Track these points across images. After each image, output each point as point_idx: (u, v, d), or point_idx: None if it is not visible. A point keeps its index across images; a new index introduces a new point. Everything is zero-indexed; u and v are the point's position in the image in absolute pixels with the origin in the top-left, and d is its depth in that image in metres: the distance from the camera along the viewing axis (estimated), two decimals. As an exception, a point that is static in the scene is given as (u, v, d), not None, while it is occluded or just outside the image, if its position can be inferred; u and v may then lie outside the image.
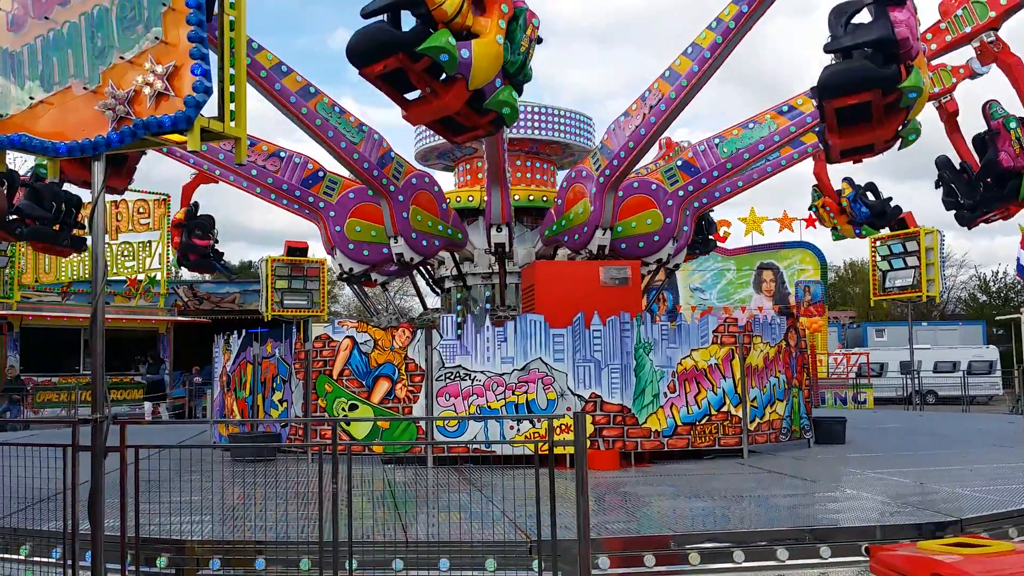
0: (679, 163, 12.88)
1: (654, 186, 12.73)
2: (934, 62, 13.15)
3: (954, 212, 13.52)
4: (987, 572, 3.38)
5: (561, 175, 15.18)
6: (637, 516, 7.02)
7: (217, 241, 17.61)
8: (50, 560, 5.98)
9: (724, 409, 10.74)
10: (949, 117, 14.09)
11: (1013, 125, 11.95)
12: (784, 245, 35.55)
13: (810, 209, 20.83)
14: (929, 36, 12.63)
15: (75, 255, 19.02)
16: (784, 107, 12.69)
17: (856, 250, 60.67)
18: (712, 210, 16.39)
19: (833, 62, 8.36)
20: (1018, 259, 27.34)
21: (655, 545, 5.99)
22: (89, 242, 6.98)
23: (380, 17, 8.17)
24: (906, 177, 69.34)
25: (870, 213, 18.42)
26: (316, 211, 12.90)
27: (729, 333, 10.96)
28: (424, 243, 12.42)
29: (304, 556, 5.72)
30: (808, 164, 15.53)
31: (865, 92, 8.09)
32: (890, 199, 15.06)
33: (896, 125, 8.50)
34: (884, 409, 26.04)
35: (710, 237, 17.42)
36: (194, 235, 17.02)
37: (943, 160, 13.63)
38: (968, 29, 12.45)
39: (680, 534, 6.11)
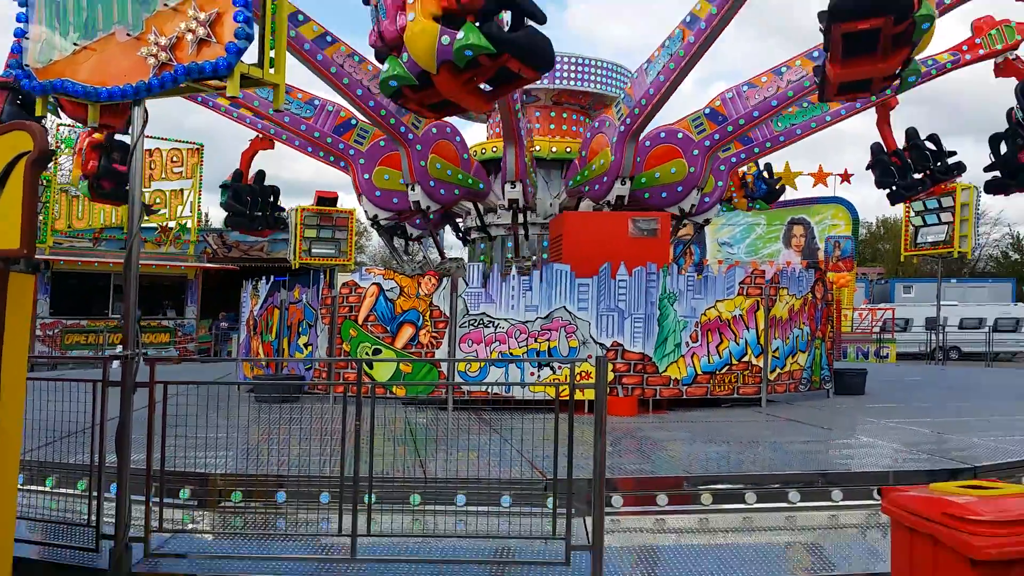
0: (706, 111, 12.74)
1: (680, 135, 12.62)
2: (979, 19, 13.61)
3: (887, 191, 14.95)
4: (998, 511, 3.42)
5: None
6: (652, 459, 7.12)
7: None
8: (75, 492, 6.19)
9: (745, 359, 10.77)
10: (884, 109, 14.89)
11: None
12: (817, 200, 35.08)
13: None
14: (965, 47, 13.47)
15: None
16: (815, 52, 12.46)
17: (889, 208, 59.87)
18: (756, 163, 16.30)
19: None
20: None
21: (668, 486, 6.09)
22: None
23: None
24: (957, 132, 67.97)
25: (766, 189, 19.13)
26: (347, 158, 13.02)
27: (755, 285, 10.94)
28: (442, 191, 12.48)
29: (324, 490, 5.88)
30: (851, 121, 15.39)
31: (878, 17, 7.83)
32: (953, 152, 14.90)
33: (900, 59, 8.19)
34: (906, 364, 25.93)
35: (776, 187, 17.11)
36: (114, 160, 14.63)
37: (878, 146, 14.89)
38: (999, 47, 13.39)
39: (693, 475, 6.20)
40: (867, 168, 15.18)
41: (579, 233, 11.41)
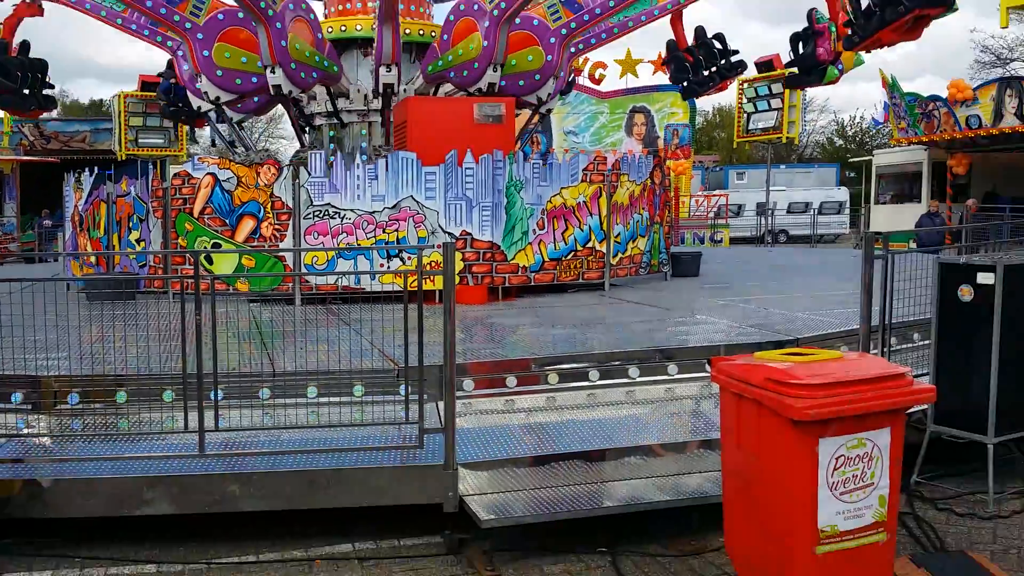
0: (562, -1, 12.60)
1: (536, 22, 12.47)
2: None
3: (681, 86, 15.63)
4: (813, 375, 3.71)
5: (439, 9, 14.65)
6: (501, 343, 7.31)
7: (50, 85, 15.58)
8: None
9: (589, 245, 11.08)
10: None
11: (833, 28, 13.16)
12: (657, 88, 35.78)
13: None
14: None
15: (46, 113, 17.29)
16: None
17: (724, 97, 61.96)
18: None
19: None
20: (884, 104, 28.57)
21: (517, 368, 6.29)
22: None
23: None
24: (781, 21, 70.32)
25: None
26: (182, 32, 11.93)
27: (598, 172, 11.16)
28: (302, 75, 11.82)
29: (167, 388, 5.71)
30: (691, 9, 15.54)
31: None
32: (736, 51, 15.43)
33: None
34: (739, 247, 27.46)
35: (733, 61, 16.67)
36: None
37: (671, 43, 15.25)
38: None
39: (540, 357, 6.41)
40: (663, 64, 15.70)
41: (424, 119, 11.20)
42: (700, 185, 38.97)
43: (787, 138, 24.39)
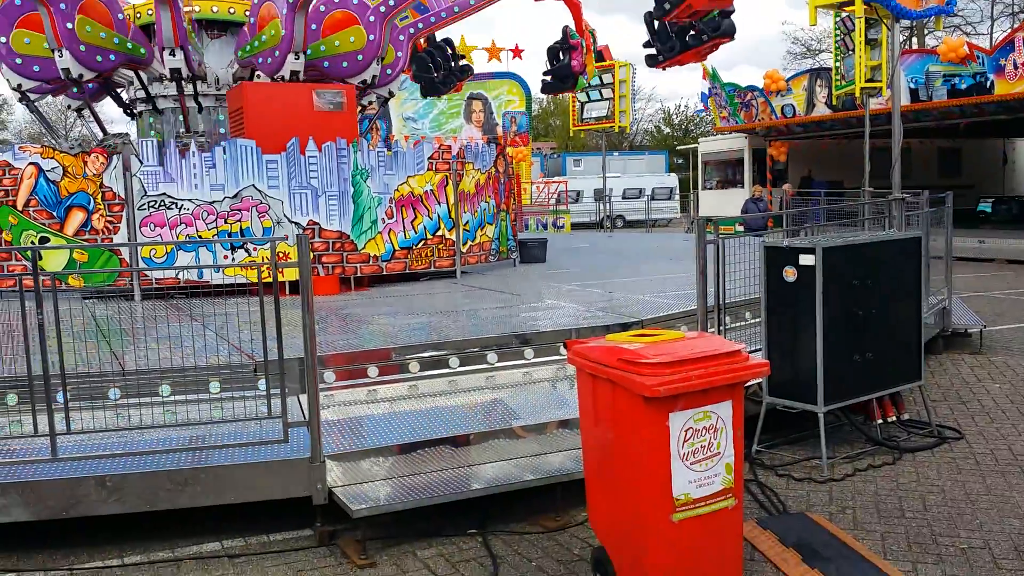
0: (381, -26, 12.51)
1: (356, 1, 12.33)
2: None
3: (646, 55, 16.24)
4: (661, 353, 3.98)
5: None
6: (359, 334, 7.32)
7: None
8: None
9: (439, 233, 11.19)
10: None
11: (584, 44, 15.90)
12: (492, 75, 36.21)
13: None
14: None
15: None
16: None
17: (558, 83, 63.23)
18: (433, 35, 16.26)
19: None
20: (702, 93, 30.14)
21: (377, 358, 6.33)
22: None
23: None
24: (611, 10, 72.48)
25: None
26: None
27: (443, 160, 11.27)
28: (98, 58, 11.25)
29: (10, 391, 5.40)
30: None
31: None
32: (462, 57, 17.04)
33: None
34: (580, 232, 28.34)
35: (461, 65, 17.05)
36: None
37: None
38: None
39: (400, 346, 6.49)
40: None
41: (261, 106, 10.92)
42: (539, 172, 39.85)
43: (619, 127, 25.36)
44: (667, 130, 59.98)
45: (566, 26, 16.11)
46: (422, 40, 15.46)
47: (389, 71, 13.46)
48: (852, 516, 5.15)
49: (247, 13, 12.54)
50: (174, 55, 11.60)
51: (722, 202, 30.51)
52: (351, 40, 12.24)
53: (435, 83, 16.14)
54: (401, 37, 13.71)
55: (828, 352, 6.11)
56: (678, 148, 49.63)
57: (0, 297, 8.09)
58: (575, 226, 31.47)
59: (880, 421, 6.76)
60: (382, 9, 12.27)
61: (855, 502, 5.37)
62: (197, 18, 12.73)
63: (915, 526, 4.95)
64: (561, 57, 16.38)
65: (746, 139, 30.39)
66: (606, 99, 25.50)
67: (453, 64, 16.23)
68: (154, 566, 4.58)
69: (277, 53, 11.68)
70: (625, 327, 7.03)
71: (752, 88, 27.93)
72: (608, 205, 30.73)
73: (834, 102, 24.64)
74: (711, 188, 33.51)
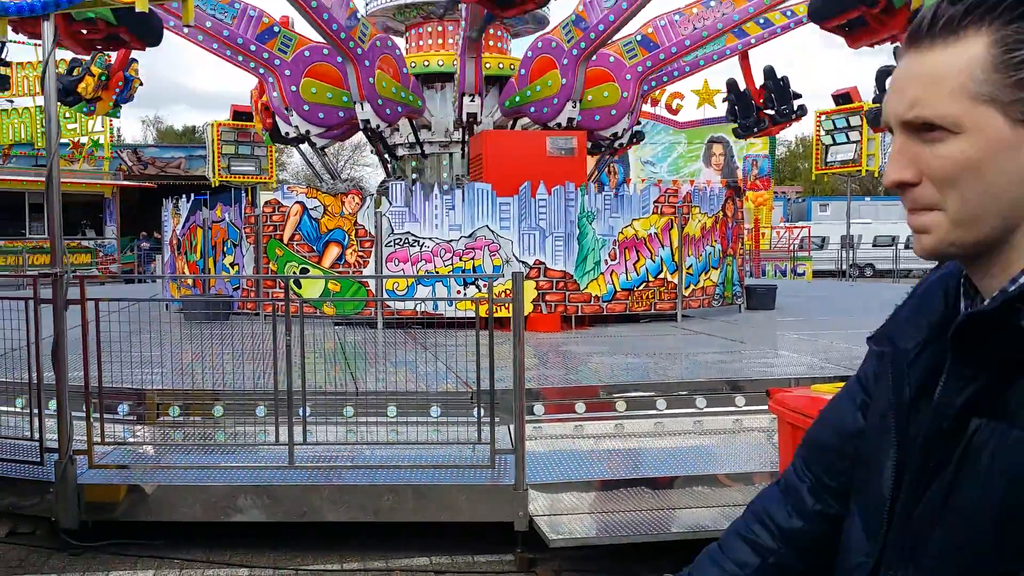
0: (639, 38, 12.96)
1: (612, 59, 12.82)
2: None
3: (733, 127, 16.08)
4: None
5: (517, 43, 15.10)
6: (572, 370, 7.55)
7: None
8: (14, 409, 6.31)
9: (661, 276, 11.26)
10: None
11: None
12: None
13: None
14: None
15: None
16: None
17: (807, 126, 61.19)
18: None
19: None
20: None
21: (585, 394, 6.52)
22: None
23: None
24: (863, 51, 68.95)
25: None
26: (271, 68, 12.68)
27: (669, 204, 11.36)
28: (388, 111, 12.40)
29: (260, 404, 6.13)
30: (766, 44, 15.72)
31: (852, 10, 8.39)
32: (799, 95, 15.45)
33: (902, 20, 8.61)
34: (820, 281, 27.09)
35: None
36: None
37: (732, 81, 15.65)
38: None
39: (608, 384, 6.64)
40: (724, 100, 16.05)
41: (499, 151, 11.61)
42: (781, 216, 38.58)
43: (866, 171, 24.07)
44: (927, 174, 55.97)
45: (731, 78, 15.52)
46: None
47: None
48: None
49: (513, 67, 13.37)
50: (472, 100, 12.51)
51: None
52: (604, 95, 12.80)
53: (748, 125, 15.59)
54: (644, 88, 14.10)
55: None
56: (938, 194, 46.19)
57: (265, 320, 9.15)
58: (817, 273, 30.05)
59: None
60: (639, 69, 12.78)
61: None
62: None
63: None
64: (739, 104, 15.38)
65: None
66: (853, 142, 24.32)
67: (783, 107, 15.12)
68: (368, 573, 5.00)
69: (555, 101, 12.38)
70: (843, 380, 6.74)
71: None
72: (853, 252, 29.11)
73: None
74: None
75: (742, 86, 15.45)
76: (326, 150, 16.37)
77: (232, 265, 12.03)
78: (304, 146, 14.50)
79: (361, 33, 11.80)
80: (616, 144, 14.18)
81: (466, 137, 13.30)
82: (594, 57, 12.72)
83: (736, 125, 15.71)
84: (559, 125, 12.52)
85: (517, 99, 12.97)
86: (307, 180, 45.22)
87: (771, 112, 15.06)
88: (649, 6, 11.82)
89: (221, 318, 10.45)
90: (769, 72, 15.12)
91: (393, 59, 12.46)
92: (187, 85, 74.49)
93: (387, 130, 14.77)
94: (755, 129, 15.51)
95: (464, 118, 12.79)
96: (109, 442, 5.57)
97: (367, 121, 12.20)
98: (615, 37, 13.18)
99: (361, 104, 12.05)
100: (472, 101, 12.50)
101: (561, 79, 12.23)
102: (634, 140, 14.84)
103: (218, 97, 72.84)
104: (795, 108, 15.17)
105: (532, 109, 12.79)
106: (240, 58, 13.58)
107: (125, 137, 40.11)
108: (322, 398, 6.18)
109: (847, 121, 23.73)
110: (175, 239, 13.69)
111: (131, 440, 5.95)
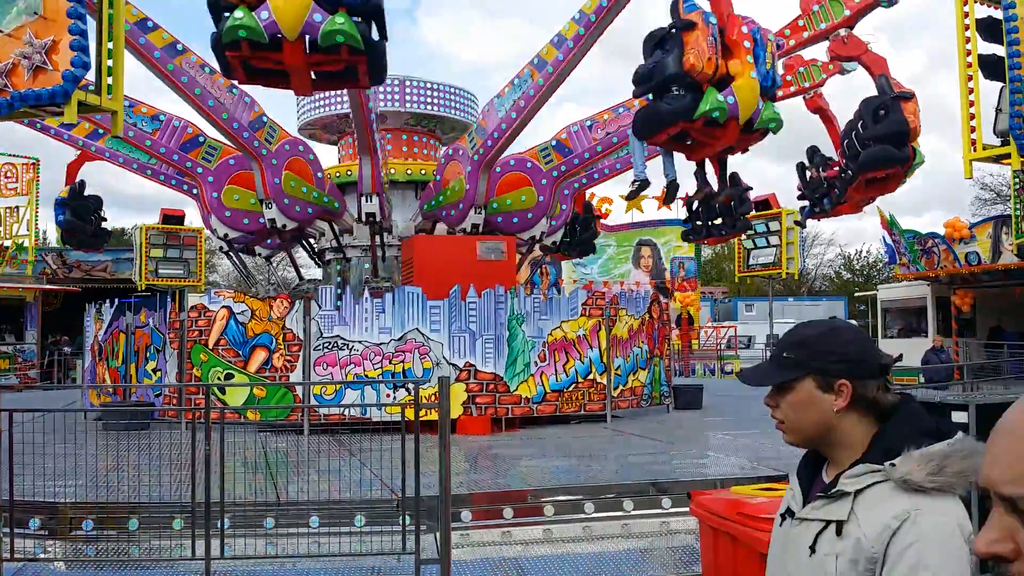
0: (553, 143, 13.39)
1: (529, 164, 13.19)
2: (790, 57, 13.97)
3: (690, 229, 15.12)
4: (785, 510, 3.93)
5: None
6: (500, 474, 7.50)
7: (104, 219, 16.60)
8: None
9: (590, 377, 11.37)
10: (820, 111, 14.87)
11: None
12: (662, 223, 36.80)
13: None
14: (788, 32, 13.07)
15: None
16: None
17: (730, 228, 63.07)
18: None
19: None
20: (883, 238, 29.30)
21: (513, 499, 6.48)
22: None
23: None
24: (786, 158, 72.28)
25: None
26: (194, 176, 12.79)
27: (597, 306, 11.57)
28: (297, 209, 12.47)
29: (177, 516, 5.93)
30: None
31: (671, 126, 8.59)
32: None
33: (733, 133, 8.68)
34: (748, 379, 27.51)
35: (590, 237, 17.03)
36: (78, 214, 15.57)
37: (813, 149, 14.38)
38: (824, 26, 12.87)
39: (536, 488, 6.62)
40: (685, 205, 15.58)
41: (429, 256, 11.75)
42: (709, 317, 39.44)
43: (787, 273, 24.96)
44: (848, 275, 58.10)
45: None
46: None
47: (554, 223, 14.20)
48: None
49: (434, 172, 13.66)
50: (370, 200, 12.63)
51: (904, 351, 28.86)
52: (522, 199, 13.11)
53: (704, 231, 14.95)
54: (566, 191, 14.51)
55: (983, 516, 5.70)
56: (857, 295, 47.83)
57: (186, 428, 8.91)
58: (744, 372, 30.58)
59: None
60: (554, 174, 13.17)
61: None
62: (392, 179, 13.94)
63: None
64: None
65: (928, 287, 28.95)
66: (773, 246, 25.29)
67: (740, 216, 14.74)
68: None
69: (460, 206, 12.61)
70: (770, 480, 6.85)
71: (933, 235, 26.81)
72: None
73: (1014, 251, 23.20)
74: (892, 336, 31.89)
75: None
76: (271, 258, 16.43)
77: (155, 371, 11.75)
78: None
79: (268, 135, 11.94)
80: (548, 242, 14.46)
81: (372, 240, 13.36)
82: (512, 163, 13.07)
83: (692, 228, 15.12)
84: (463, 231, 12.72)
85: (432, 203, 13.24)
86: (236, 283, 44.77)
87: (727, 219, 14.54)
88: (562, 114, 12.31)
89: (141, 426, 10.14)
90: (735, 178, 15.04)
91: (306, 161, 12.58)
92: (118, 188, 73.67)
93: (315, 234, 14.86)
94: (719, 233, 14.91)
95: (364, 218, 12.84)
96: (19, 558, 5.31)
97: (273, 220, 12.20)
98: (532, 143, 13.67)
99: (267, 203, 12.11)
100: (369, 201, 12.59)
101: (465, 186, 12.51)
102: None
103: (147, 199, 72.20)
104: (747, 220, 15.09)
105: (443, 213, 13.04)
106: (162, 176, 13.72)
107: (50, 240, 39.28)
108: (242, 509, 6.02)
109: (766, 226, 24.70)
110: (96, 345, 13.36)
111: (42, 556, 5.68)
